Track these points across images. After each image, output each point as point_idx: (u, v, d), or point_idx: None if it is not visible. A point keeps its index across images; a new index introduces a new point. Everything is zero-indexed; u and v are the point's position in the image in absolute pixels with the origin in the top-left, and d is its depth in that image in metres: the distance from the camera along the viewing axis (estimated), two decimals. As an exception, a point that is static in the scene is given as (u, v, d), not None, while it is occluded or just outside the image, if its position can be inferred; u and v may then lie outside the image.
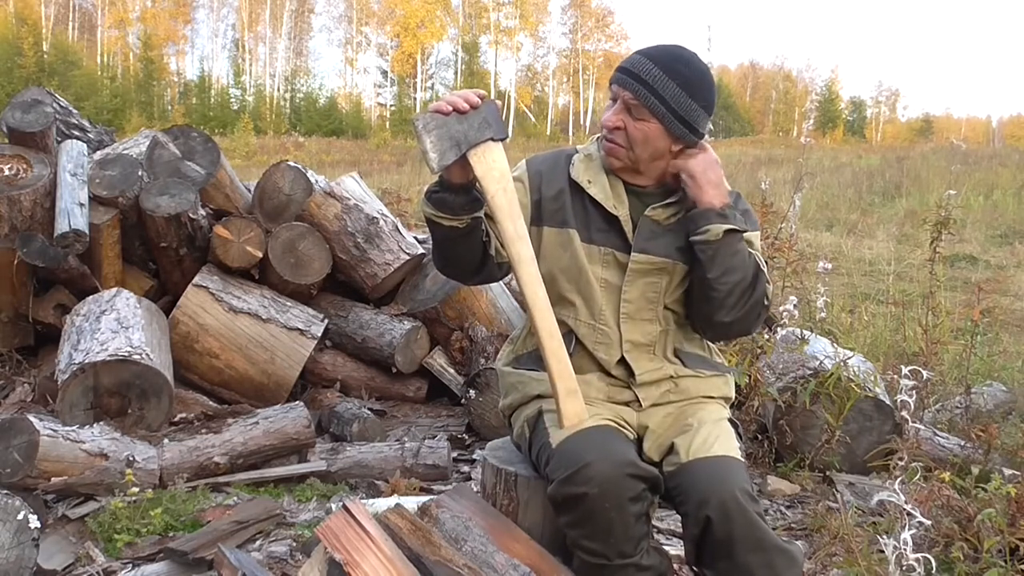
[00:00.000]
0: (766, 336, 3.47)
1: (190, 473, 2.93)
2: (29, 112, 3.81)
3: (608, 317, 1.96)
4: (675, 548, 2.45)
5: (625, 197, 1.96)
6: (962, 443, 3.31)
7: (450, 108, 1.73)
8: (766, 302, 1.95)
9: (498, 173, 1.77)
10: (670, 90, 1.86)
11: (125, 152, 4.03)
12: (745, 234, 1.93)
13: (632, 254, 1.94)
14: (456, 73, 52.82)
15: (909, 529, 1.91)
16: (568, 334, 1.96)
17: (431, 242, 1.96)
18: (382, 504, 2.60)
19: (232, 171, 4.29)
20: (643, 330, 1.96)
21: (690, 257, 1.93)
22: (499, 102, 1.82)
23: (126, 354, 3.13)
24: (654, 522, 2.18)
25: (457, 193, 1.79)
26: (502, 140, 1.77)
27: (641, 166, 1.94)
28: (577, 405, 1.80)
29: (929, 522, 2.22)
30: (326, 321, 4.00)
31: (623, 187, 1.97)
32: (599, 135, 2.03)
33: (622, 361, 1.97)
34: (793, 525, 2.94)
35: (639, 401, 1.97)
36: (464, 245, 1.87)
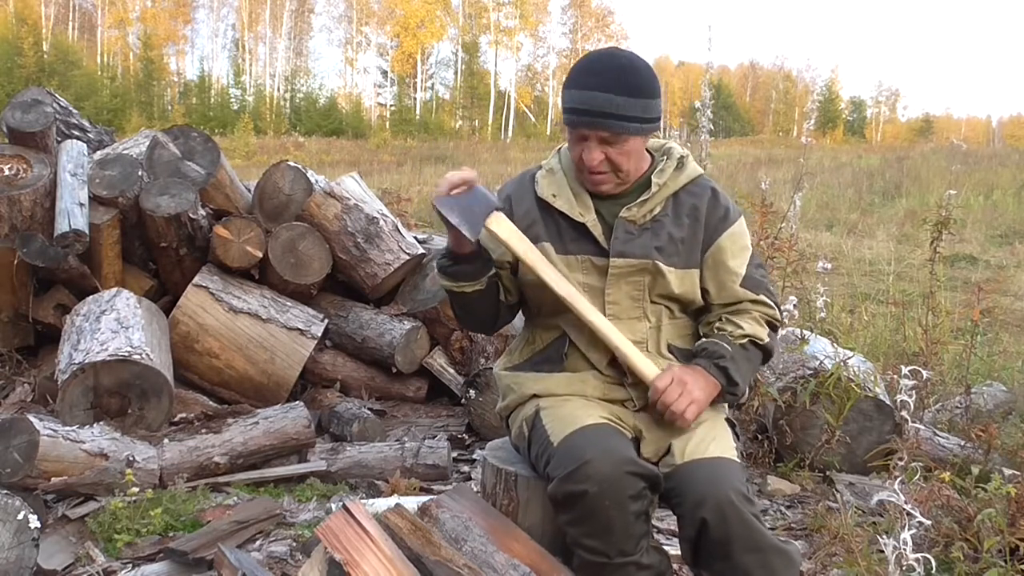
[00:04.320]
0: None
1: (190, 473, 2.93)
2: (29, 112, 3.81)
3: None
4: (674, 548, 2.44)
5: (590, 202, 1.98)
6: (962, 443, 3.31)
7: (449, 187, 1.88)
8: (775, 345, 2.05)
9: (517, 234, 1.93)
10: (636, 107, 1.86)
11: (125, 152, 4.03)
12: (732, 227, 1.99)
13: (611, 259, 1.95)
14: (456, 73, 52.82)
15: (909, 529, 1.91)
16: (562, 337, 2.00)
17: (453, 308, 2.10)
18: (382, 504, 2.60)
19: (232, 171, 4.29)
20: (632, 328, 1.97)
21: (670, 257, 1.96)
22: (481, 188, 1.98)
23: (126, 354, 3.12)
24: (654, 522, 2.18)
25: (470, 261, 1.94)
26: (500, 209, 1.96)
27: (629, 177, 1.96)
28: (651, 363, 1.92)
29: (929, 522, 2.22)
30: (326, 321, 4.00)
31: (587, 193, 1.99)
32: (560, 147, 2.09)
33: (614, 360, 1.97)
34: (793, 525, 2.94)
35: (633, 400, 1.97)
36: (487, 302, 2.03)
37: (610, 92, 1.84)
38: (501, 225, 1.91)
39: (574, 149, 1.94)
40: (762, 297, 2.01)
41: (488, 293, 2.01)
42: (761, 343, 1.98)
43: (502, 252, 2.04)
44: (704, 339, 1.99)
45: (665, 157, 2.03)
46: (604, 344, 1.95)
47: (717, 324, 1.99)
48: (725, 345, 1.94)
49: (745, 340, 1.96)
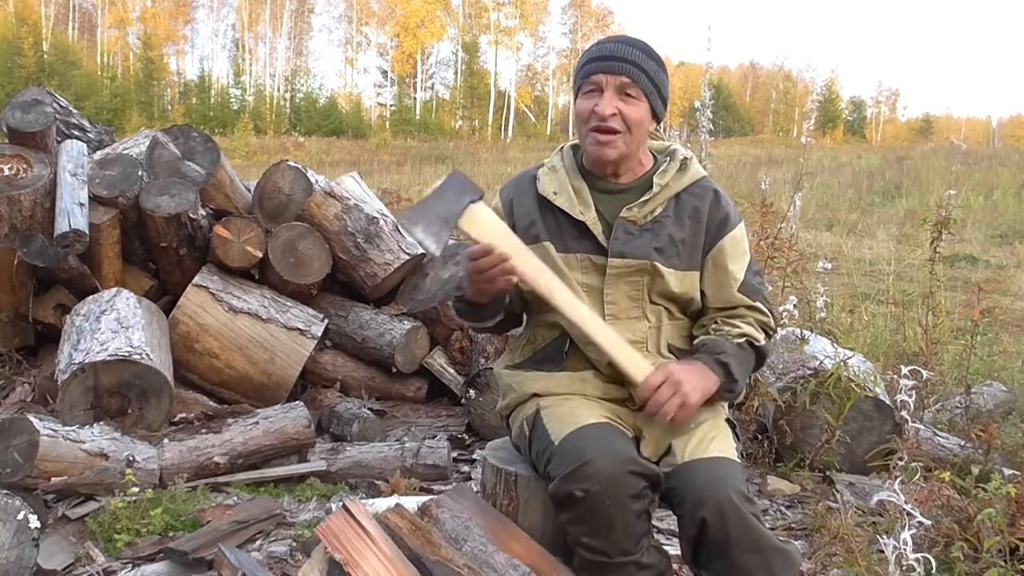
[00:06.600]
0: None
1: (190, 473, 2.93)
2: (29, 112, 3.81)
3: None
4: (674, 548, 2.44)
5: (591, 201, 1.99)
6: (962, 443, 3.31)
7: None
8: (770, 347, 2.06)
9: (491, 227, 1.86)
10: (652, 68, 1.93)
11: (125, 152, 4.03)
12: (733, 231, 2.00)
13: (609, 259, 1.95)
14: (456, 73, 52.84)
15: (909, 529, 1.91)
16: (562, 336, 2.00)
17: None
18: (382, 504, 2.60)
19: (232, 171, 4.29)
20: (631, 328, 1.97)
21: (670, 259, 1.96)
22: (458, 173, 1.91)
23: (126, 354, 3.12)
24: (654, 522, 2.18)
25: (484, 308, 1.96)
26: (480, 199, 1.86)
27: (632, 150, 1.97)
28: (639, 360, 1.88)
29: (929, 522, 2.22)
30: (326, 321, 4.00)
31: (588, 192, 2.00)
32: (563, 146, 2.10)
33: None
34: (793, 525, 2.94)
35: (634, 399, 1.97)
36: (502, 326, 2.11)
37: (632, 47, 1.93)
38: (474, 221, 1.80)
39: (585, 104, 1.94)
40: (758, 304, 2.01)
41: (505, 321, 2.08)
42: (757, 344, 1.98)
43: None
44: (703, 337, 1.99)
45: (668, 159, 2.04)
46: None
47: (713, 326, 2.00)
48: (725, 342, 1.94)
49: (743, 340, 1.96)
